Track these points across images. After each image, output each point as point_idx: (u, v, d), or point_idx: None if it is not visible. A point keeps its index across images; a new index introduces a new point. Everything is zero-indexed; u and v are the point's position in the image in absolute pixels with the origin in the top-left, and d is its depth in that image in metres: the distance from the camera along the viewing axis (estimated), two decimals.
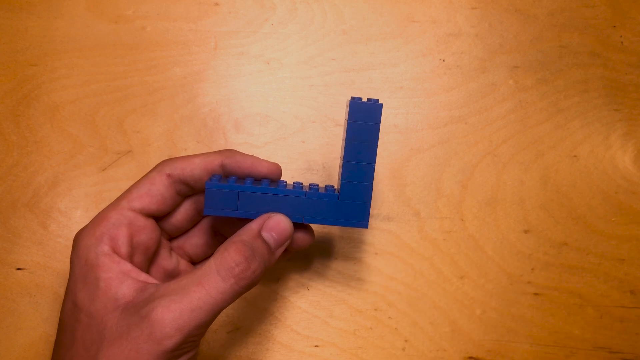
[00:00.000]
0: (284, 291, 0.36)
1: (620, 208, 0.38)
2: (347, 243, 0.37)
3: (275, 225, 0.28)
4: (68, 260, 0.37)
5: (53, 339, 0.36)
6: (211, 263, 0.27)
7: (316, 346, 0.36)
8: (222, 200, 0.29)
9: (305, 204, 0.29)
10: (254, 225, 0.28)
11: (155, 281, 0.27)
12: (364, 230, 0.37)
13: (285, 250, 0.32)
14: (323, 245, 0.37)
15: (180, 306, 0.25)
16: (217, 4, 0.40)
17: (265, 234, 0.28)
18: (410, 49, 0.39)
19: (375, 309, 0.36)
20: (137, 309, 0.25)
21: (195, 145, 0.38)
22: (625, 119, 0.39)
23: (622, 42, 0.40)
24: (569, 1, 0.40)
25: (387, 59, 0.39)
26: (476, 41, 0.40)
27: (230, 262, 0.26)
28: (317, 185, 0.30)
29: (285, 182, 0.30)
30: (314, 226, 0.32)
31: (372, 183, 0.29)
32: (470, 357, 0.36)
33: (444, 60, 0.39)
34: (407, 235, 0.37)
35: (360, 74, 0.39)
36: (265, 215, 0.29)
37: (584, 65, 0.39)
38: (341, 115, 0.39)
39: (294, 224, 0.29)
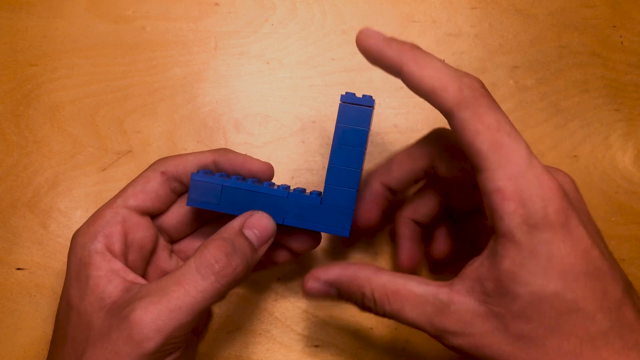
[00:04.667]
0: (284, 291, 0.36)
1: (620, 208, 0.38)
2: (348, 243, 0.37)
3: (257, 222, 0.28)
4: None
5: None
6: (190, 262, 0.26)
7: (316, 346, 0.36)
8: (205, 193, 0.28)
9: (286, 205, 0.29)
10: (235, 223, 0.28)
11: (143, 282, 0.27)
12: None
13: (292, 253, 0.32)
14: (323, 245, 0.37)
15: (159, 307, 0.25)
16: (217, 4, 0.40)
17: (247, 232, 0.28)
18: None
19: None
20: (119, 310, 0.25)
21: (195, 145, 0.38)
22: (625, 119, 0.39)
23: (622, 42, 0.40)
24: (569, 1, 0.40)
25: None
26: (476, 41, 0.40)
27: (209, 259, 0.26)
28: (304, 189, 0.30)
29: (274, 183, 0.30)
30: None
31: (356, 190, 0.28)
32: None
33: (444, 61, 0.39)
34: None
35: (360, 74, 0.39)
36: (247, 213, 0.28)
37: (584, 65, 0.39)
38: None
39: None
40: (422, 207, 0.32)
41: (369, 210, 0.31)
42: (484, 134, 0.23)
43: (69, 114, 0.38)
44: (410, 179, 0.30)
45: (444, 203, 0.32)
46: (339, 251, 0.37)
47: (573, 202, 0.24)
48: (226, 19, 0.40)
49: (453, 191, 0.31)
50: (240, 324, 0.36)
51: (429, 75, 0.25)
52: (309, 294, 0.28)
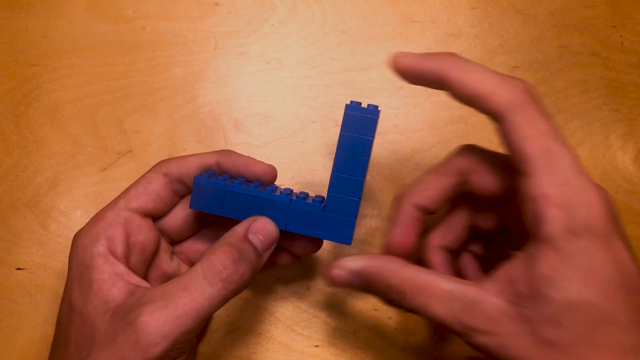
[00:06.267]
0: (284, 291, 0.36)
1: (620, 208, 0.38)
2: None
3: (261, 227, 0.28)
4: (68, 260, 0.37)
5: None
6: (197, 268, 0.26)
7: (316, 346, 0.36)
8: (208, 196, 0.28)
9: (289, 211, 0.28)
10: (239, 229, 0.28)
11: (146, 285, 0.27)
12: (364, 230, 0.37)
13: (293, 256, 0.32)
14: (323, 245, 0.37)
15: (165, 313, 0.25)
16: (217, 4, 0.40)
17: (252, 237, 0.28)
18: (410, 49, 0.39)
19: (376, 309, 0.36)
20: (125, 314, 0.25)
21: (195, 145, 0.38)
22: (625, 119, 0.39)
23: (622, 42, 0.40)
24: (569, 1, 0.40)
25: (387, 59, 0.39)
26: (476, 41, 0.40)
27: (217, 266, 0.26)
28: (307, 194, 0.30)
29: (277, 186, 0.30)
30: None
31: (359, 198, 0.28)
32: (470, 358, 0.36)
33: None
34: None
35: (360, 74, 0.39)
36: (251, 219, 0.28)
37: (584, 65, 0.39)
38: (341, 115, 0.39)
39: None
40: (450, 233, 0.31)
41: (406, 235, 0.29)
42: (534, 139, 0.23)
43: (69, 114, 0.38)
44: (444, 196, 0.29)
45: (471, 225, 0.31)
46: (343, 253, 0.37)
47: (614, 214, 0.24)
48: (226, 19, 0.40)
49: (482, 210, 0.30)
50: (240, 324, 0.36)
51: (476, 80, 0.25)
52: (333, 282, 0.28)
